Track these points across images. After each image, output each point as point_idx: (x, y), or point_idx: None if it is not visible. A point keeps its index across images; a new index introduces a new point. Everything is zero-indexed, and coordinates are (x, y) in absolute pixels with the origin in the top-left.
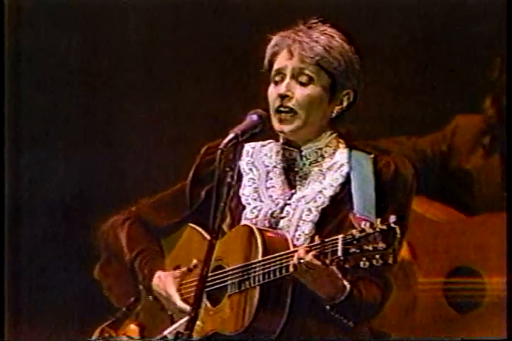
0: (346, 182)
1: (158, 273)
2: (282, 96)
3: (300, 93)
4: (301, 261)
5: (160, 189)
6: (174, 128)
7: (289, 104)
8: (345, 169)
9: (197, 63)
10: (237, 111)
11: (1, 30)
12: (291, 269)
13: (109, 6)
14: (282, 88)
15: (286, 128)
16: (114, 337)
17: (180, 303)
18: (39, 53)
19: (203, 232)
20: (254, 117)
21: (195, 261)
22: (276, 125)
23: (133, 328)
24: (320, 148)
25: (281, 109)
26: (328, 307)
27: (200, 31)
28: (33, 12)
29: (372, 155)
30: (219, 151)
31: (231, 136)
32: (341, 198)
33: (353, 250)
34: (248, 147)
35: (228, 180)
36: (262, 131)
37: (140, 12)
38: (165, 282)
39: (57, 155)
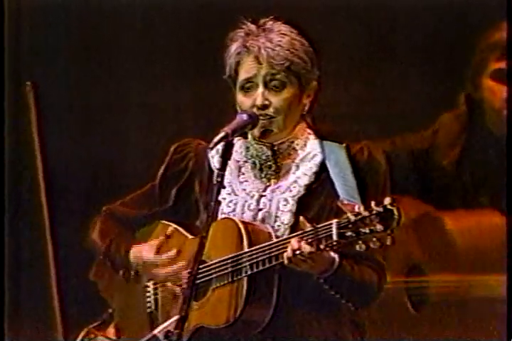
0: (320, 171)
1: (135, 247)
2: (261, 107)
3: (276, 100)
4: (297, 252)
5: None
6: (169, 124)
7: (268, 112)
8: (318, 159)
9: (191, 61)
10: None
11: (1, 30)
12: (286, 262)
13: (107, 7)
14: (259, 99)
15: (267, 134)
16: (98, 338)
17: (155, 257)
18: (39, 51)
19: (180, 229)
20: (245, 116)
21: (170, 229)
22: (254, 130)
23: (110, 330)
24: (292, 142)
25: (261, 117)
26: (321, 280)
27: (186, 31)
28: (33, 11)
29: (344, 144)
30: (208, 150)
31: (221, 134)
32: (317, 187)
33: (349, 233)
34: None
35: (218, 179)
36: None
37: (141, 15)
38: (142, 249)
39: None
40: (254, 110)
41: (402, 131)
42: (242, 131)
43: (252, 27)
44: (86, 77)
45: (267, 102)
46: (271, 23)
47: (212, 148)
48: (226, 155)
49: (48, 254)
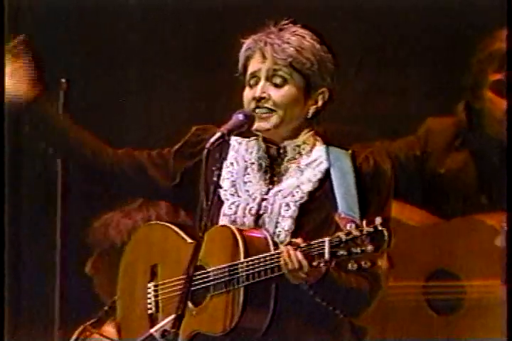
0: (325, 178)
1: None
2: (258, 99)
3: (276, 94)
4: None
5: None
6: (169, 124)
7: (266, 105)
8: (323, 166)
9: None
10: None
11: (1, 30)
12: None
13: (107, 7)
14: (258, 91)
15: (263, 126)
16: (93, 336)
17: None
18: (39, 51)
19: (180, 232)
20: (241, 116)
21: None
22: (254, 125)
23: (109, 329)
24: (298, 145)
25: (258, 110)
26: (305, 287)
27: (187, 31)
28: (33, 11)
29: (350, 151)
30: (205, 150)
31: (218, 135)
32: (321, 195)
33: (340, 253)
34: (234, 142)
35: (214, 179)
36: (248, 130)
37: (141, 15)
38: None
39: None
40: (253, 103)
41: (403, 134)
42: (238, 131)
43: (271, 27)
44: (86, 77)
45: (264, 95)
46: (289, 24)
47: (209, 148)
48: (222, 155)
49: (48, 254)
